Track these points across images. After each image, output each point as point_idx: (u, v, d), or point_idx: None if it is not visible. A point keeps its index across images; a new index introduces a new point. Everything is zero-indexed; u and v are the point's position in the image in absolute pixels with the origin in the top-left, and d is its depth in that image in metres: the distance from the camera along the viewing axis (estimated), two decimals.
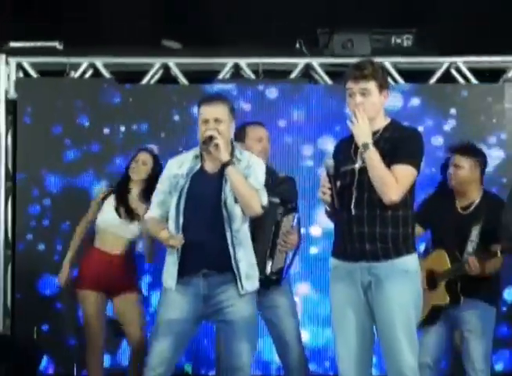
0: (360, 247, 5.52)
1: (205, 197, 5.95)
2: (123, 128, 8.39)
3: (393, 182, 5.50)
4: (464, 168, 6.80)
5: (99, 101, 8.43)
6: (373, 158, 5.46)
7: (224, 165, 5.88)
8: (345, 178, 5.59)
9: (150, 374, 5.97)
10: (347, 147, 5.72)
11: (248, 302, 5.98)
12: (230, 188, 5.94)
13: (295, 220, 6.62)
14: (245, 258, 5.95)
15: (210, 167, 5.99)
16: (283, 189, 6.70)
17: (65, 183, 8.34)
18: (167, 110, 8.47)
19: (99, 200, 7.40)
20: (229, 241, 5.89)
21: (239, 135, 6.62)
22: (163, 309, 6.01)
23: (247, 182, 5.91)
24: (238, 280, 5.90)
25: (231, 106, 6.10)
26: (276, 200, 6.46)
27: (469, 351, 6.76)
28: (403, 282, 5.53)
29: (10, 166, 8.46)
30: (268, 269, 6.46)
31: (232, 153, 5.99)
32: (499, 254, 6.61)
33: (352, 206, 5.53)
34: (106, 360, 8.00)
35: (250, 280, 5.96)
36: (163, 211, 6.07)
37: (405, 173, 5.54)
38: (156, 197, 6.15)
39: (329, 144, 7.95)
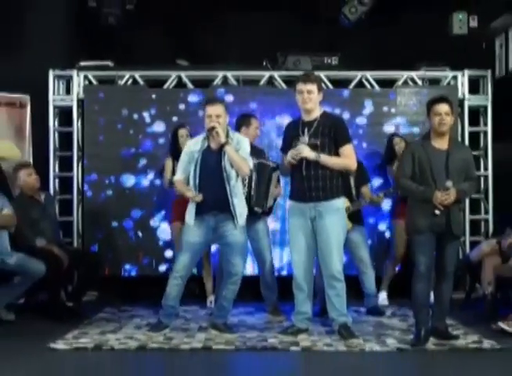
0: (309, 194, 5.94)
1: (211, 165, 6.16)
2: (146, 114, 8.42)
3: (346, 161, 5.99)
4: None
5: (134, 99, 8.44)
6: (326, 161, 5.91)
7: (222, 145, 6.11)
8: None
9: (175, 275, 6.21)
10: (296, 128, 6.10)
11: (241, 232, 6.21)
12: (227, 158, 6.10)
13: (278, 176, 6.87)
14: (238, 203, 6.16)
15: (214, 145, 6.18)
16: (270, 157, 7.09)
17: (108, 151, 8.41)
18: (176, 103, 8.46)
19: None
20: (228, 193, 6.09)
21: (246, 122, 7.02)
22: (185, 236, 6.22)
23: (239, 154, 6.12)
24: (234, 218, 6.11)
25: (225, 105, 6.28)
26: (268, 162, 6.83)
27: (360, 256, 7.18)
28: (336, 215, 5.96)
29: (80, 142, 8.56)
30: (270, 204, 6.82)
31: (227, 136, 6.19)
32: (382, 196, 7.25)
33: (303, 168, 5.93)
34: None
35: (241, 218, 6.17)
36: (185, 175, 6.27)
37: (349, 150, 6.00)
38: (180, 166, 6.33)
39: (284, 120, 8.01)
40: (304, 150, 5.92)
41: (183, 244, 6.26)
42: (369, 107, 8.57)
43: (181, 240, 6.33)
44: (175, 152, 7.33)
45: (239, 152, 6.19)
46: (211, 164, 6.18)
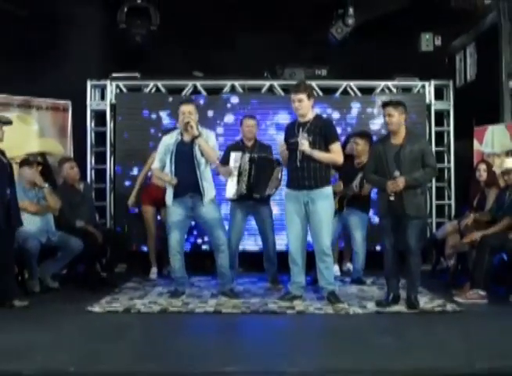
0: (303, 183, 5.87)
1: (185, 154, 6.12)
2: (164, 115, 8.36)
3: (333, 156, 5.89)
4: (360, 144, 7.13)
5: (154, 102, 8.43)
6: (317, 156, 5.83)
7: (195, 137, 6.07)
8: (293, 145, 5.89)
9: (173, 252, 6.21)
10: (292, 128, 6.04)
11: (213, 208, 6.21)
12: (198, 148, 6.07)
13: (280, 171, 6.70)
14: (207, 186, 6.12)
15: (187, 138, 6.17)
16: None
17: (131, 147, 8.34)
18: None
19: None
20: (199, 177, 6.05)
21: (240, 122, 6.87)
22: (170, 217, 6.21)
23: (208, 145, 6.11)
24: (203, 197, 6.07)
25: (196, 105, 6.32)
26: (273, 158, 6.72)
27: (355, 238, 7.02)
28: (326, 201, 5.90)
29: (112, 139, 8.50)
30: (269, 193, 6.65)
31: (198, 130, 6.14)
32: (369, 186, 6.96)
33: (298, 161, 5.87)
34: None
35: (208, 197, 6.10)
36: (161, 164, 6.22)
37: (337, 146, 5.92)
38: (158, 156, 6.28)
39: (284, 119, 8.04)
40: (305, 144, 5.86)
41: (170, 225, 6.25)
42: (356, 108, 8.54)
43: (167, 222, 6.31)
44: None
45: (208, 143, 6.17)
46: (184, 153, 6.14)
